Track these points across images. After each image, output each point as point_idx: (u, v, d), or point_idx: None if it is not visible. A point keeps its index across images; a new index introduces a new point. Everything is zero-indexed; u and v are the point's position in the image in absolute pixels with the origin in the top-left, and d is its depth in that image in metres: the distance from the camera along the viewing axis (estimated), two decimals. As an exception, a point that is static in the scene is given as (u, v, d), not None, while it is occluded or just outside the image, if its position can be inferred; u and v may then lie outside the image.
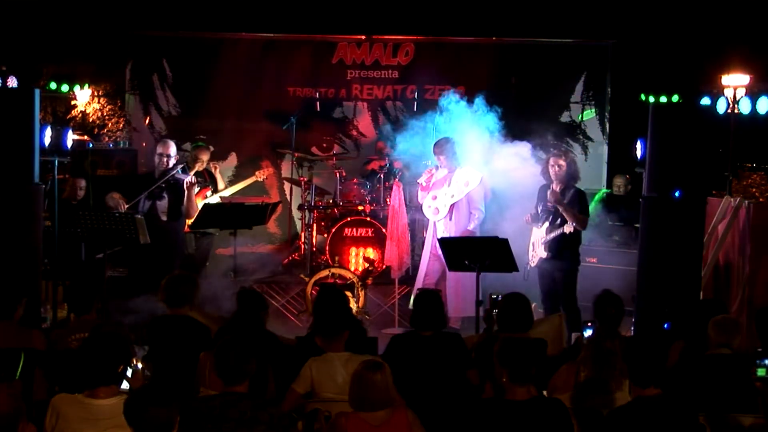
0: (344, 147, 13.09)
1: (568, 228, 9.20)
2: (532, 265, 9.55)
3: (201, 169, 10.99)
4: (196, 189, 10.02)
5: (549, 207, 9.43)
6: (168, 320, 6.65)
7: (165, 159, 9.56)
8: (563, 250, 9.30)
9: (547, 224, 9.41)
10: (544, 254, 9.41)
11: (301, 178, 11.95)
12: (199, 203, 10.27)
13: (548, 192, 9.39)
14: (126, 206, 9.45)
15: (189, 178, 9.51)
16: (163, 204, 9.44)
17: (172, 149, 9.69)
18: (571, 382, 5.80)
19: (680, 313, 7.50)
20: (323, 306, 6.32)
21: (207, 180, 11.02)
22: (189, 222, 10.08)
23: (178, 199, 9.51)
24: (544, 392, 5.63)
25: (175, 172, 9.49)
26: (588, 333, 6.66)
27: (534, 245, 9.57)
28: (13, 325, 6.53)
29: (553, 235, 9.31)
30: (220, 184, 11.40)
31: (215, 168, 11.45)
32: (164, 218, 9.45)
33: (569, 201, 9.28)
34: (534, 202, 9.66)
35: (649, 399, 4.87)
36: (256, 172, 11.64)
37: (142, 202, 9.52)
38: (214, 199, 10.83)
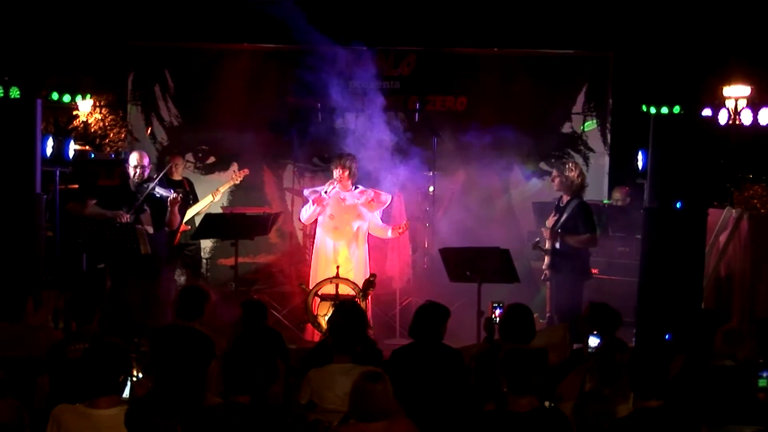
0: (345, 157, 13.07)
1: (546, 245, 9.16)
2: (547, 274, 9.52)
3: (178, 178, 10.97)
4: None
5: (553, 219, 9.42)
6: (171, 331, 6.65)
7: (140, 170, 9.46)
8: (562, 262, 9.23)
9: None
10: (546, 266, 9.37)
11: (302, 188, 11.94)
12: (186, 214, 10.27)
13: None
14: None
15: (172, 195, 9.40)
16: (146, 217, 9.41)
17: (147, 159, 9.64)
18: (576, 390, 5.79)
19: (682, 324, 7.49)
20: (341, 322, 6.34)
21: (188, 190, 10.99)
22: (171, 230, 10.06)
23: (160, 211, 9.43)
24: (546, 403, 5.62)
25: (154, 184, 9.38)
26: (593, 341, 6.57)
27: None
28: (23, 327, 6.57)
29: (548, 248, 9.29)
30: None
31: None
32: (151, 231, 9.41)
33: (568, 216, 9.21)
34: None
35: (651, 410, 4.86)
36: (232, 175, 11.52)
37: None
38: (195, 209, 10.82)
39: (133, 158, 9.48)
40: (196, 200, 11.00)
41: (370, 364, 5.99)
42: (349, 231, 9.70)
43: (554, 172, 9.49)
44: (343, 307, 6.78)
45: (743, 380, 5.87)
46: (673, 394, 5.14)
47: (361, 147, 12.89)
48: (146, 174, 9.43)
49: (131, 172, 9.41)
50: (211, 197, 10.97)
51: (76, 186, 10.66)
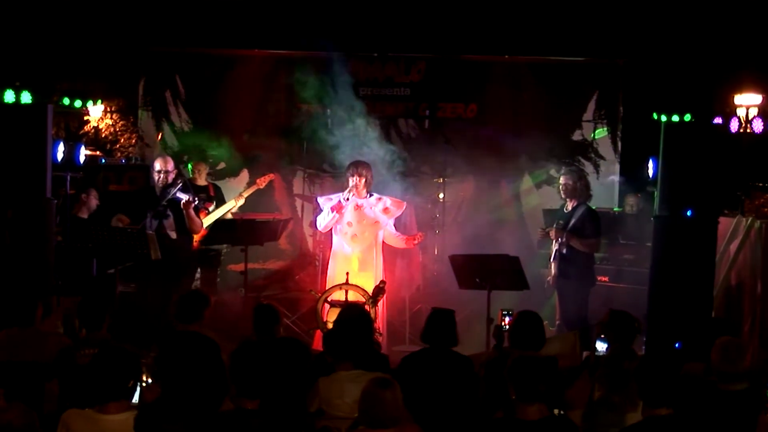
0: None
1: (555, 244, 9.18)
2: (550, 282, 9.51)
3: (203, 183, 10.96)
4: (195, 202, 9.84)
5: (560, 224, 9.41)
6: (177, 336, 6.65)
7: (164, 175, 9.48)
8: (568, 268, 9.23)
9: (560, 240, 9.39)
10: (554, 272, 9.37)
11: (313, 195, 11.94)
12: (206, 221, 10.21)
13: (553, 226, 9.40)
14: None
15: (185, 198, 9.39)
16: (170, 222, 9.41)
17: (171, 164, 9.65)
18: (585, 398, 5.77)
19: (692, 333, 7.45)
20: (346, 327, 6.34)
21: (213, 195, 10.98)
22: (196, 237, 10.05)
23: (182, 216, 9.46)
24: (555, 411, 5.60)
25: (176, 190, 9.39)
26: (600, 345, 6.53)
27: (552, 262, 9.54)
28: (33, 332, 6.59)
29: (554, 252, 9.29)
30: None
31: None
32: (174, 236, 9.41)
33: (577, 220, 9.23)
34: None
35: (660, 419, 4.84)
36: (257, 180, 11.52)
37: (149, 222, 9.44)
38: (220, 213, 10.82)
39: (158, 164, 9.53)
40: (221, 204, 10.97)
41: (376, 370, 6.00)
42: (367, 238, 9.64)
43: (562, 180, 9.51)
44: (343, 314, 6.82)
45: (753, 398, 5.78)
46: (681, 408, 5.10)
47: (370, 154, 12.92)
48: (170, 179, 9.46)
49: (155, 177, 9.45)
50: (234, 202, 10.95)
51: (73, 192, 10.67)
